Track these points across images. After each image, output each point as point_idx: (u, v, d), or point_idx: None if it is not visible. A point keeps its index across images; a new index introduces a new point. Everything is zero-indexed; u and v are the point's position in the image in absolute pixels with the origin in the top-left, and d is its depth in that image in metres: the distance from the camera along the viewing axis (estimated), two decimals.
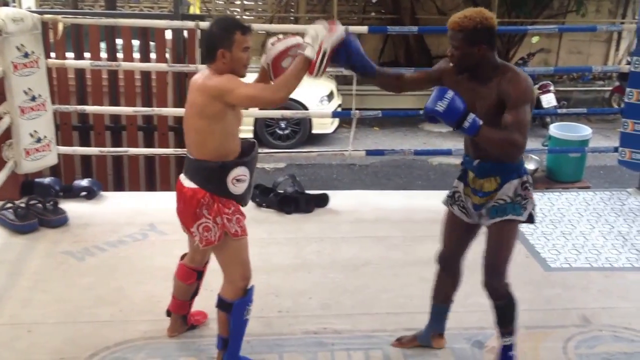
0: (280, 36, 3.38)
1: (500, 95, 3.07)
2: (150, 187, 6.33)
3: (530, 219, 3.30)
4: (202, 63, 3.36)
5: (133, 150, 5.94)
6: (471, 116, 2.95)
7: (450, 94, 2.98)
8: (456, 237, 3.52)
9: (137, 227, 5.01)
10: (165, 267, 4.38)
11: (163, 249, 4.71)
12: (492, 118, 3.04)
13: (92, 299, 4.08)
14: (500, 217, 3.24)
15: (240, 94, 3.11)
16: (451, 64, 3.19)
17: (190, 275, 3.68)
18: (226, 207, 3.25)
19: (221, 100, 3.12)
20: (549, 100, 10.53)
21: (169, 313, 3.80)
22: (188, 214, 3.28)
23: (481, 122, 2.96)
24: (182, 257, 3.73)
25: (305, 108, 9.58)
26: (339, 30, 3.22)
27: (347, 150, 6.07)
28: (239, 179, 3.26)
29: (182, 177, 3.33)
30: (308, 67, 3.15)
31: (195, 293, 3.76)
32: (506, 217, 3.23)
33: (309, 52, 3.13)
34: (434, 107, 2.99)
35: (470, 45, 3.06)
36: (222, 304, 3.39)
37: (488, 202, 3.28)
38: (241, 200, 3.34)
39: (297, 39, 3.30)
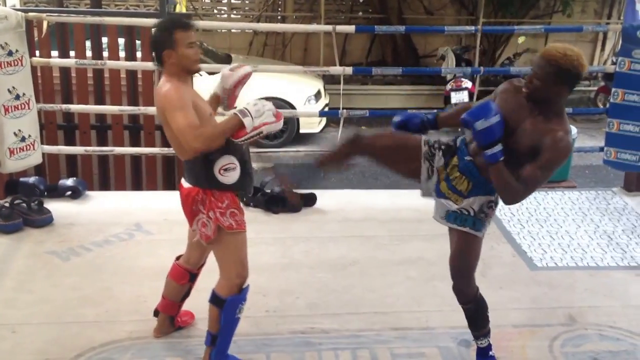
0: (234, 65, 3.44)
1: (536, 142, 3.00)
2: (137, 186, 6.30)
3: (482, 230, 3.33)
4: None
5: (119, 150, 5.91)
6: (499, 147, 2.97)
7: (495, 118, 2.97)
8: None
9: (123, 227, 4.99)
10: (152, 267, 4.37)
11: (149, 248, 4.69)
12: (516, 153, 3.03)
13: (78, 299, 4.06)
14: (459, 225, 3.27)
15: (174, 118, 3.10)
16: (523, 89, 3.10)
17: (183, 276, 3.67)
18: (219, 201, 3.26)
19: (162, 109, 3.16)
20: None
21: (156, 313, 3.78)
22: (187, 212, 3.33)
23: (502, 158, 2.98)
24: (178, 258, 3.72)
25: (293, 107, 9.56)
26: (280, 123, 3.30)
27: None
28: (226, 168, 3.25)
29: (182, 179, 3.39)
30: (237, 130, 3.17)
31: (186, 295, 3.75)
32: (464, 229, 3.26)
33: (247, 122, 3.16)
34: (474, 123, 2.98)
35: (554, 84, 3.00)
36: (215, 299, 3.38)
37: (449, 202, 3.29)
38: (238, 189, 3.34)
39: (250, 69, 3.42)
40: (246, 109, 3.19)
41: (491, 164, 3.00)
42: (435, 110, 3.37)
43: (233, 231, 3.30)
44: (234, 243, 3.34)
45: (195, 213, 3.29)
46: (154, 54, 3.23)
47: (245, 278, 3.38)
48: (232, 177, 3.27)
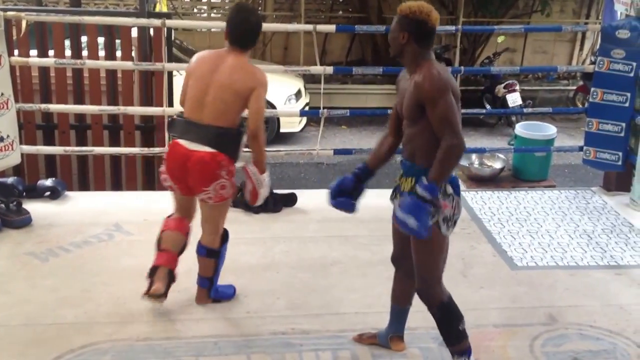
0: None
1: (416, 92, 3.09)
2: (116, 186, 6.26)
3: (439, 228, 3.15)
4: (235, 45, 3.74)
5: (98, 150, 5.88)
6: (423, 190, 3.01)
7: (412, 216, 3.02)
8: (398, 236, 3.43)
9: (103, 228, 4.95)
10: (131, 268, 4.35)
11: (129, 249, 4.66)
12: (414, 114, 3.12)
13: (56, 300, 4.02)
14: None
15: (260, 98, 3.69)
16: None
17: (184, 225, 3.95)
18: (233, 168, 3.76)
19: (251, 89, 3.65)
20: (514, 99, 10.63)
21: (152, 271, 3.87)
22: (206, 175, 3.67)
23: (426, 182, 3.02)
24: (169, 216, 4.01)
25: (273, 107, 9.54)
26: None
27: (315, 150, 6.07)
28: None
29: (187, 144, 3.68)
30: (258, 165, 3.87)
31: (182, 250, 3.96)
32: None
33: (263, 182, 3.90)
34: (409, 227, 3.04)
35: (398, 30, 3.15)
36: (211, 252, 3.88)
37: None
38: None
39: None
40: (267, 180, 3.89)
41: (438, 184, 3.06)
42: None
43: (232, 198, 3.85)
44: (228, 206, 3.89)
45: (216, 177, 3.67)
46: (247, 36, 3.73)
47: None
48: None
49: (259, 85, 3.69)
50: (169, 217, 3.99)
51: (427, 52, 3.17)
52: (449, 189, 3.15)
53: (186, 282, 4.12)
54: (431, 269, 3.25)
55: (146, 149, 5.88)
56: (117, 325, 3.80)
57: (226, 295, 4.08)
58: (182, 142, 3.70)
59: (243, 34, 3.73)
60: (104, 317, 3.89)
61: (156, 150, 5.81)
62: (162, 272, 3.85)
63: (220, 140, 3.67)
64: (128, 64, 5.77)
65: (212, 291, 4.00)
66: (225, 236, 3.96)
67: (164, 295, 3.83)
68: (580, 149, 5.97)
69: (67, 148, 5.81)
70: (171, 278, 3.88)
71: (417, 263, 3.25)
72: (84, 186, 6.23)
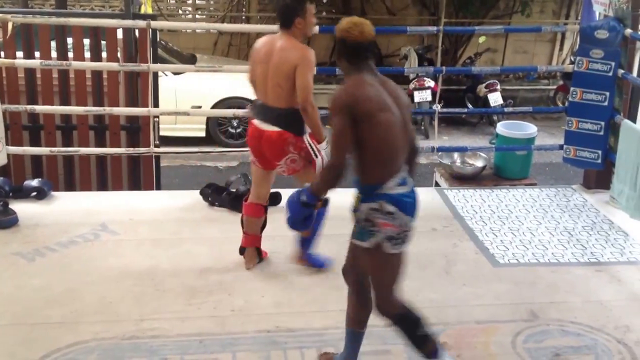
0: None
1: None
2: (102, 186, 6.26)
3: (382, 247, 3.13)
4: (281, 27, 4.11)
5: (84, 150, 5.89)
6: (303, 193, 3.23)
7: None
8: (350, 248, 3.40)
9: (89, 227, 4.96)
10: (117, 267, 4.37)
11: (115, 249, 4.68)
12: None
13: (43, 300, 4.04)
14: (352, 238, 3.24)
15: (305, 75, 3.97)
16: None
17: (259, 210, 4.42)
18: (304, 144, 4.12)
19: (294, 66, 3.96)
20: (495, 98, 10.71)
21: (242, 250, 4.47)
22: (275, 151, 4.13)
23: (303, 189, 3.25)
24: (245, 199, 4.44)
25: None
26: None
27: None
28: None
29: (259, 124, 4.14)
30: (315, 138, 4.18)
31: (264, 226, 4.46)
32: (353, 240, 3.23)
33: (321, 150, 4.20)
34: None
35: (336, 52, 3.28)
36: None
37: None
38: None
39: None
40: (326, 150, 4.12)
41: (317, 195, 3.27)
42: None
43: (310, 165, 4.18)
44: (312, 173, 4.14)
45: (285, 152, 4.11)
46: (284, 18, 4.04)
47: None
48: None
49: (301, 61, 3.97)
50: (245, 200, 4.44)
51: (357, 66, 3.12)
52: (390, 208, 3.06)
53: (171, 282, 4.16)
54: (381, 285, 3.25)
55: (132, 149, 5.90)
56: (104, 324, 3.82)
57: (316, 261, 4.47)
58: (255, 122, 4.18)
59: (282, 13, 4.08)
60: (90, 316, 3.91)
61: (142, 150, 5.83)
62: (250, 252, 4.48)
63: (284, 119, 4.07)
64: (114, 65, 5.79)
65: (305, 251, 4.42)
66: (325, 201, 4.18)
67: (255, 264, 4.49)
68: (561, 147, 6.02)
69: (53, 149, 5.82)
70: (259, 253, 4.51)
71: (371, 280, 3.26)
72: (70, 186, 6.23)
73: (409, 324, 3.28)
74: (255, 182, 4.43)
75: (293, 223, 3.32)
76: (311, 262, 4.47)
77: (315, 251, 4.48)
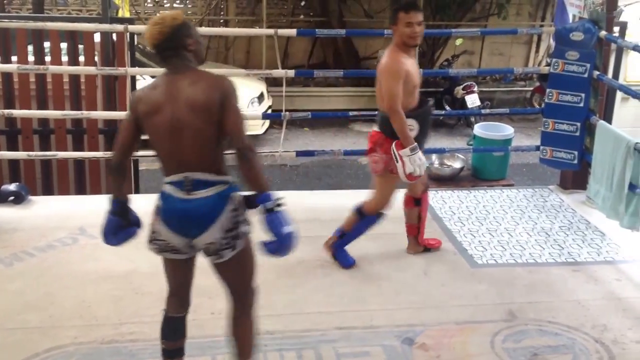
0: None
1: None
2: (80, 190, 6.23)
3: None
4: None
5: (62, 154, 5.85)
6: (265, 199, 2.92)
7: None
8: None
9: (67, 232, 4.94)
10: (96, 272, 4.35)
11: (93, 253, 4.65)
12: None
13: (21, 304, 4.01)
14: None
15: (389, 83, 4.15)
16: None
17: (408, 201, 4.71)
18: (389, 146, 4.23)
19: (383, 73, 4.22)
20: (473, 100, 10.79)
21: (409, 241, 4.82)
22: (369, 148, 4.40)
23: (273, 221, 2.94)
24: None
25: None
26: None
27: (277, 152, 6.10)
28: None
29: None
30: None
31: (421, 217, 4.74)
32: None
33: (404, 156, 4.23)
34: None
35: None
36: (359, 211, 4.53)
37: None
38: None
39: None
40: (412, 157, 4.19)
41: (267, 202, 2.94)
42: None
43: (393, 175, 4.30)
44: (391, 182, 4.39)
45: (373, 150, 4.34)
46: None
47: (382, 209, 4.51)
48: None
49: (386, 69, 4.20)
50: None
51: (166, 67, 3.00)
52: (158, 202, 3.05)
53: (150, 286, 4.14)
54: None
55: (110, 152, 5.85)
56: (82, 329, 3.80)
57: (343, 259, 4.63)
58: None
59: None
60: (68, 320, 3.89)
61: None
62: (410, 239, 4.80)
63: (380, 122, 4.35)
64: (91, 69, 5.76)
65: (337, 244, 4.61)
66: (377, 214, 4.51)
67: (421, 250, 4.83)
68: (537, 148, 6.06)
69: (31, 153, 5.78)
70: (417, 242, 4.81)
71: None
72: (48, 190, 6.19)
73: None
74: None
75: (289, 235, 3.04)
76: (338, 257, 4.63)
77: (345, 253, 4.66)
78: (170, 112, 2.88)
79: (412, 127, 4.25)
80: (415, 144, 4.19)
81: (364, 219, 4.53)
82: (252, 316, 3.21)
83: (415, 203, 4.69)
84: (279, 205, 2.93)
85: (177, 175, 2.93)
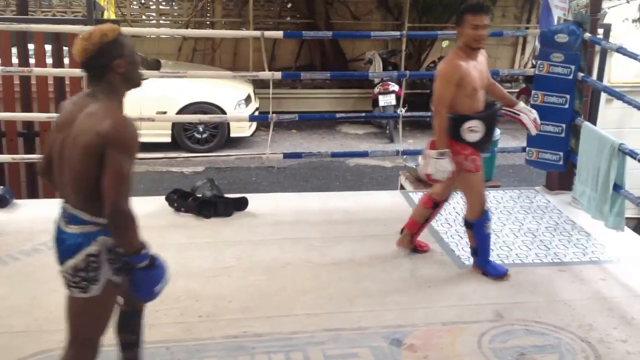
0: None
1: None
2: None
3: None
4: None
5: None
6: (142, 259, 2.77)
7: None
8: None
9: (52, 234, 4.89)
10: None
11: None
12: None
13: (6, 309, 3.98)
14: None
15: (438, 86, 4.21)
16: None
17: (427, 201, 4.68)
18: (463, 149, 4.26)
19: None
20: None
21: (402, 230, 4.77)
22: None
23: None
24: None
25: (223, 112, 9.56)
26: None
27: (265, 154, 6.10)
28: (472, 129, 4.26)
29: None
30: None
31: (427, 220, 4.75)
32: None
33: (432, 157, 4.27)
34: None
35: None
36: (466, 223, 4.54)
37: None
38: (477, 147, 4.32)
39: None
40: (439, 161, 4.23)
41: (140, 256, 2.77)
42: None
43: (472, 173, 4.32)
44: (474, 181, 4.39)
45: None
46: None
47: (484, 205, 4.45)
48: (474, 137, 4.29)
49: (439, 71, 4.25)
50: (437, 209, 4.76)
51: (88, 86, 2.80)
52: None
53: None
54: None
55: None
56: None
57: (492, 271, 4.56)
58: None
59: None
60: (54, 324, 3.84)
61: None
62: (405, 233, 4.78)
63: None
64: (76, 71, 5.72)
65: (478, 261, 4.58)
66: (482, 213, 4.45)
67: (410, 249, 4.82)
68: (524, 149, 6.09)
69: (15, 156, 5.75)
70: (411, 241, 4.79)
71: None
72: (33, 194, 6.16)
73: None
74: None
75: (157, 293, 2.92)
76: (490, 272, 4.57)
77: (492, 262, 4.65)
78: (62, 137, 2.71)
79: (477, 128, 4.28)
80: (446, 150, 4.21)
81: (475, 225, 4.48)
82: None
83: (433, 205, 4.70)
84: (153, 261, 2.79)
85: (62, 204, 2.84)
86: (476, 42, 4.23)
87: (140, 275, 2.78)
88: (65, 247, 2.79)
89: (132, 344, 3.22)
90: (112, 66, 2.68)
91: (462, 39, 4.25)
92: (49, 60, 5.92)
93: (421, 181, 6.73)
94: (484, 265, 4.57)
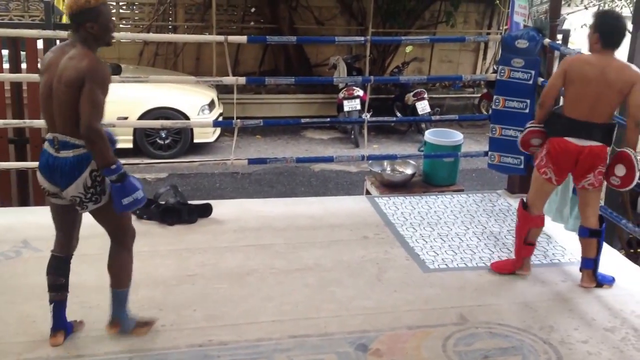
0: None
1: None
2: (23, 202, 6.09)
3: None
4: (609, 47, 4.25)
5: (4, 164, 5.71)
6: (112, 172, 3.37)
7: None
8: None
9: (10, 245, 4.81)
10: (40, 285, 4.20)
11: (38, 266, 4.49)
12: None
13: None
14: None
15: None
16: None
17: (542, 219, 4.65)
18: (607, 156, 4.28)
19: (631, 84, 4.15)
20: (423, 107, 10.90)
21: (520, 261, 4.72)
22: (587, 165, 4.25)
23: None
24: (524, 207, 4.63)
25: (187, 117, 9.49)
26: None
27: (229, 160, 6.05)
28: None
29: (576, 140, 4.25)
30: None
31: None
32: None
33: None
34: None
35: None
36: (593, 232, 4.43)
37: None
38: None
39: None
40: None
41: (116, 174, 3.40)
42: None
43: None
44: (601, 192, 4.45)
45: (595, 166, 4.25)
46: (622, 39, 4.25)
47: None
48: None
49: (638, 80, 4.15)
50: (529, 213, 4.58)
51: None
52: None
53: (97, 299, 4.05)
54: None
55: None
56: (27, 345, 3.69)
57: (607, 280, 4.58)
58: (570, 139, 4.27)
59: (620, 36, 4.23)
60: (12, 336, 3.78)
61: None
62: (527, 262, 4.72)
63: (604, 135, 4.25)
64: (34, 77, 5.63)
65: (600, 275, 4.54)
66: (601, 218, 4.48)
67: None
68: (486, 154, 6.15)
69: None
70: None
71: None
72: (23, 202, 6.04)
73: None
74: (540, 195, 4.57)
75: (126, 206, 3.46)
76: (607, 279, 4.59)
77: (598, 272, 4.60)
78: (48, 77, 3.35)
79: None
80: None
81: (603, 232, 4.48)
82: (125, 252, 3.67)
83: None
84: (121, 177, 3.38)
85: (50, 134, 3.41)
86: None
87: (114, 187, 3.39)
88: (66, 170, 3.36)
89: (62, 286, 3.68)
90: (86, 26, 3.33)
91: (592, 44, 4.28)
92: (6, 65, 5.81)
93: (387, 185, 6.76)
94: (600, 277, 4.58)
